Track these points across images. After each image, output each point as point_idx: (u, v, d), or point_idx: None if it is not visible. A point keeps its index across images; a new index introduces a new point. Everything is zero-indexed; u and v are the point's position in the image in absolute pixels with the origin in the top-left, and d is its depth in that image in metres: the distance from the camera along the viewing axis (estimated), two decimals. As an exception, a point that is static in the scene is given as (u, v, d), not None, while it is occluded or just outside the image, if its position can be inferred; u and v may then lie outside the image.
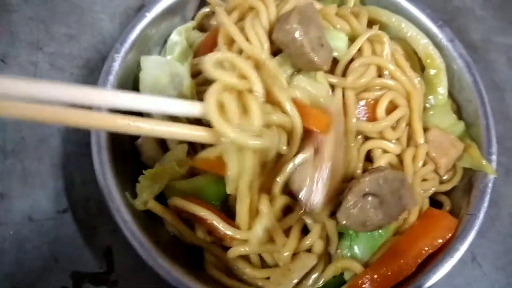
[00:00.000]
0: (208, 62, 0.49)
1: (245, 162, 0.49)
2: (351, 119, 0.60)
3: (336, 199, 0.56)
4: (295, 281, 0.54)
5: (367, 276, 0.57)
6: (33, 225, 0.66)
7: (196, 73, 0.66)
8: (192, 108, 0.48)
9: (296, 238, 0.56)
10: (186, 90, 0.64)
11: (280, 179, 0.56)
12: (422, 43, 0.69)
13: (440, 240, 0.59)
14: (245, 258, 0.59)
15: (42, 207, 0.67)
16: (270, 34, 0.59)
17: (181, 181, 0.60)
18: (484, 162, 0.63)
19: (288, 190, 0.57)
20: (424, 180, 0.64)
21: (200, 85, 0.64)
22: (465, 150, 0.65)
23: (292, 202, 0.57)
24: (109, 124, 0.46)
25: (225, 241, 0.58)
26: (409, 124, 0.64)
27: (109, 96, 0.48)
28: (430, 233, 0.60)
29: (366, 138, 0.63)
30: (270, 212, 0.54)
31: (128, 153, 0.65)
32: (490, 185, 0.63)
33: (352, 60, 0.63)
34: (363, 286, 0.57)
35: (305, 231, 0.58)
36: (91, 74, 0.74)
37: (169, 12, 0.69)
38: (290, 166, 0.55)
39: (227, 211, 0.59)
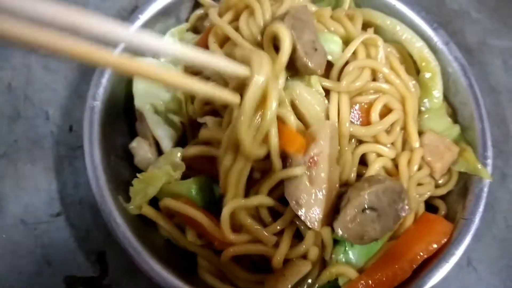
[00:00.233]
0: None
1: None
2: (345, 123, 0.60)
3: (332, 206, 0.56)
4: (289, 286, 0.54)
5: (361, 282, 0.56)
6: (26, 229, 0.66)
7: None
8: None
9: (287, 243, 0.56)
10: (179, 92, 0.64)
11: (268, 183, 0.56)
12: (417, 46, 0.69)
13: (435, 245, 0.59)
14: (238, 261, 0.58)
15: (35, 210, 0.67)
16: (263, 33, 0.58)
17: (172, 183, 0.60)
18: (479, 166, 0.63)
19: (279, 196, 0.56)
20: (419, 184, 0.63)
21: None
22: (461, 154, 0.65)
23: (282, 208, 0.57)
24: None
25: (214, 243, 0.58)
26: (404, 128, 0.64)
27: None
28: (426, 238, 0.60)
29: (360, 142, 0.62)
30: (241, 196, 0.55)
31: (122, 156, 0.65)
32: (485, 189, 0.62)
33: (346, 63, 0.62)
34: (358, 291, 0.56)
35: (299, 236, 0.58)
36: (85, 77, 0.73)
37: (162, 14, 0.69)
38: (280, 175, 0.55)
39: (218, 214, 0.59)
